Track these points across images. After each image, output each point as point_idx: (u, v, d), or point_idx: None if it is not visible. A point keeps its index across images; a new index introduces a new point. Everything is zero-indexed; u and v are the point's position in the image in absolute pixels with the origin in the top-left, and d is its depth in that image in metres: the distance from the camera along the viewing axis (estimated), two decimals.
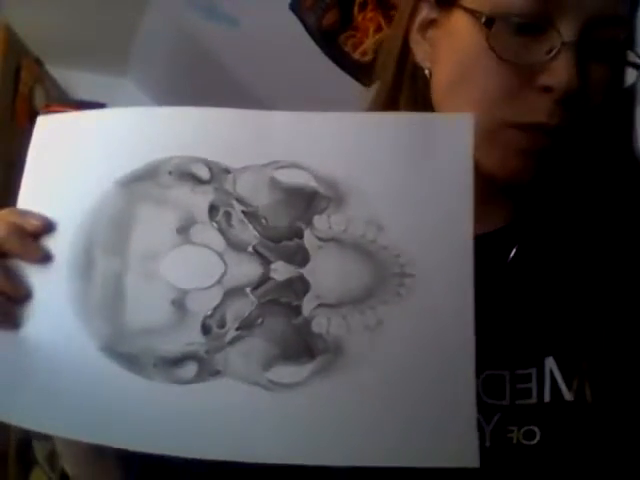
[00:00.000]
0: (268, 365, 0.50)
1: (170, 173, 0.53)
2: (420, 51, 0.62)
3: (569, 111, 0.54)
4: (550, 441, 0.55)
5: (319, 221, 0.51)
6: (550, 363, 0.57)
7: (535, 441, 0.55)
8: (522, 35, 0.54)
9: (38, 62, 2.45)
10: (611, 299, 0.57)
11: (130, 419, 0.51)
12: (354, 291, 0.50)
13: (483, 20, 0.54)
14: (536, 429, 0.55)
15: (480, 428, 0.54)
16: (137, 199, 0.53)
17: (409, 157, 0.51)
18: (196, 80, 2.87)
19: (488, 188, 0.57)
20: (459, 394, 0.48)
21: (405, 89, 0.63)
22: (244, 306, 0.51)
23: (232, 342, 0.50)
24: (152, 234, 0.53)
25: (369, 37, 2.10)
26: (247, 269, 0.51)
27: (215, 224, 0.52)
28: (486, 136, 0.55)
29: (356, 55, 2.19)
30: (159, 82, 3.22)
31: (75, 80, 2.96)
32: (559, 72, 0.53)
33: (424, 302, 0.49)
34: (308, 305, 0.50)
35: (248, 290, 0.51)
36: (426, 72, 0.61)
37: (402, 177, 0.51)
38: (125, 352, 0.51)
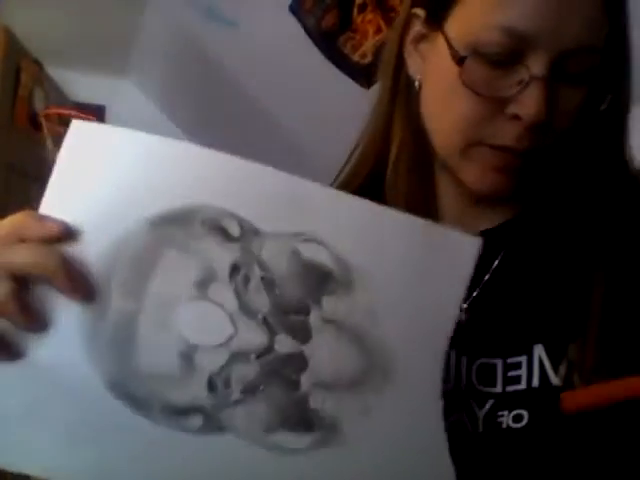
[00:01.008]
0: (270, 430, 0.52)
1: (203, 223, 0.52)
2: (412, 63, 0.65)
3: (537, 136, 0.58)
4: (537, 423, 0.58)
5: (327, 302, 0.53)
6: (539, 350, 0.60)
7: (523, 424, 0.58)
8: (494, 68, 0.57)
9: (38, 64, 2.45)
10: (596, 289, 0.60)
11: (132, 459, 0.51)
12: (347, 375, 0.53)
13: (456, 58, 0.58)
14: (524, 412, 0.58)
15: (473, 415, 0.59)
16: (164, 243, 0.52)
17: (415, 261, 0.54)
18: (196, 81, 2.87)
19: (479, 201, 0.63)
20: (435, 474, 0.54)
21: (400, 99, 0.66)
22: (248, 371, 0.52)
23: (236, 403, 0.52)
24: (171, 283, 0.52)
25: (368, 39, 2.10)
26: (254, 336, 0.52)
27: (233, 285, 0.52)
28: (463, 153, 0.60)
29: (355, 57, 2.19)
30: (159, 84, 3.22)
31: (75, 82, 2.96)
32: (528, 104, 0.56)
33: (403, 395, 0.53)
34: (306, 381, 0.52)
35: (252, 357, 0.52)
36: (416, 84, 0.64)
37: (404, 278, 0.54)
38: (132, 393, 0.51)
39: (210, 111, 2.98)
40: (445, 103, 0.61)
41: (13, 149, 2.27)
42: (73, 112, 2.75)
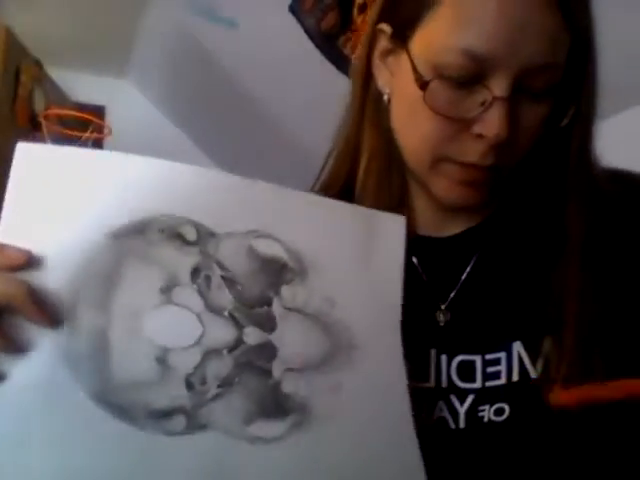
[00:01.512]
0: (249, 420, 0.55)
1: (161, 231, 0.55)
2: (380, 76, 0.67)
3: (501, 153, 0.60)
4: (518, 415, 0.60)
5: (286, 291, 0.57)
6: (517, 346, 0.62)
7: (504, 417, 0.60)
8: (457, 90, 0.59)
9: (38, 64, 2.46)
10: (570, 284, 0.62)
11: (123, 467, 0.53)
12: (315, 357, 0.56)
13: (420, 82, 0.60)
14: (505, 406, 0.61)
15: (454, 411, 0.62)
16: (126, 254, 0.54)
17: (357, 245, 0.59)
18: (196, 81, 2.87)
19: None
20: (400, 445, 0.57)
21: (369, 110, 0.68)
22: (222, 366, 0.55)
23: (214, 399, 0.54)
24: (137, 292, 0.54)
25: None
26: (223, 332, 0.55)
27: (196, 286, 0.55)
28: (431, 168, 0.63)
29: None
30: (159, 84, 3.22)
31: (75, 82, 2.96)
32: (490, 123, 0.58)
33: (368, 370, 0.57)
34: (277, 369, 0.56)
35: (225, 352, 0.55)
36: (385, 97, 0.66)
37: (352, 261, 0.59)
38: (116, 403, 0.53)
39: (210, 111, 2.98)
40: (411, 121, 0.63)
41: (13, 148, 2.27)
42: (73, 112, 2.75)
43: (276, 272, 0.57)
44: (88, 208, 0.55)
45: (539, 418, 0.60)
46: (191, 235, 0.55)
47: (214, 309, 0.55)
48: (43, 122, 2.56)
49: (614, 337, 0.60)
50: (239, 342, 0.55)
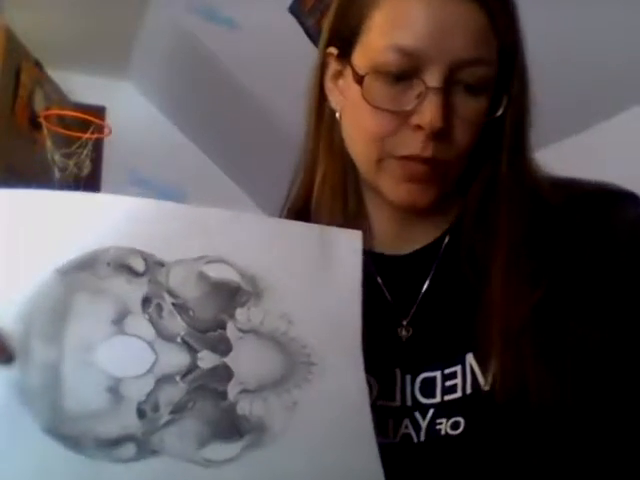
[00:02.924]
0: (202, 444, 0.55)
1: (108, 264, 0.56)
2: (333, 98, 0.71)
3: (440, 143, 0.63)
4: (472, 429, 0.62)
5: (240, 314, 0.57)
6: (470, 358, 0.64)
7: (460, 430, 0.62)
8: (394, 85, 0.63)
9: (38, 65, 2.46)
10: (501, 297, 0.64)
11: None
12: (271, 377, 0.57)
13: (356, 78, 0.65)
14: (461, 419, 0.62)
15: (418, 426, 0.64)
16: (75, 289, 0.55)
17: (313, 262, 0.60)
18: (196, 82, 2.87)
19: (404, 211, 0.68)
20: (363, 462, 0.57)
21: (324, 131, 0.72)
22: (175, 392, 0.55)
23: (166, 425, 0.55)
24: (88, 325, 0.55)
25: None
26: (176, 358, 0.56)
27: (147, 315, 0.56)
28: (375, 167, 0.65)
29: None
30: (159, 84, 3.22)
31: (75, 83, 2.97)
32: (426, 114, 0.62)
33: (326, 386, 0.58)
34: (233, 390, 0.56)
35: (178, 378, 0.56)
36: (337, 115, 0.70)
37: (307, 279, 0.59)
38: (68, 433, 0.54)
39: (210, 112, 2.98)
40: (355, 124, 0.67)
41: (13, 149, 2.28)
42: (73, 113, 2.76)
43: (229, 295, 0.57)
44: (36, 245, 0.56)
45: (492, 431, 0.61)
46: (139, 266, 0.56)
47: (166, 336, 0.56)
48: (43, 122, 2.56)
49: (547, 337, 0.61)
50: (193, 367, 0.56)
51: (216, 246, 0.58)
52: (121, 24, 2.76)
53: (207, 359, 0.56)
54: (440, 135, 0.62)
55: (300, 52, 2.29)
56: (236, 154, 3.10)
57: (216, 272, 0.57)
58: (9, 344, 0.54)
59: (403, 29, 0.62)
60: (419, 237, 0.70)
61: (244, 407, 0.56)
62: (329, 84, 0.71)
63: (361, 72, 0.64)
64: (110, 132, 2.87)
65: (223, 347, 0.56)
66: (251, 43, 2.37)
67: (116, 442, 0.54)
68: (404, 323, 0.67)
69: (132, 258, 0.56)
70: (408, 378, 0.65)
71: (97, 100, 3.10)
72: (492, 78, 0.63)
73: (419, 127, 0.62)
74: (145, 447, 0.54)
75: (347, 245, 0.61)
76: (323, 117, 0.72)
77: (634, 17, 1.76)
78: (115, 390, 0.54)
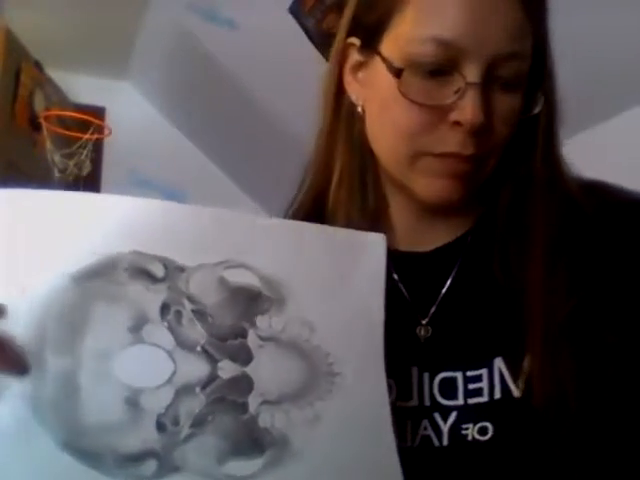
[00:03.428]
0: (222, 460, 0.53)
1: (126, 270, 0.54)
2: (353, 91, 0.68)
3: (479, 141, 0.61)
4: (502, 435, 0.60)
5: (261, 321, 0.55)
6: (499, 363, 0.62)
7: (488, 436, 0.60)
8: (431, 79, 0.61)
9: (38, 65, 2.46)
10: (542, 301, 0.62)
11: None
12: (292, 388, 0.55)
13: (394, 71, 0.61)
14: (489, 425, 0.60)
15: (438, 429, 0.61)
16: (91, 296, 0.53)
17: (335, 267, 0.57)
18: (196, 83, 2.87)
19: (429, 208, 0.66)
20: (384, 474, 0.55)
21: (342, 127, 0.69)
22: (194, 404, 0.53)
23: (187, 439, 0.52)
24: (104, 333, 0.53)
25: None
26: (195, 368, 0.53)
27: (166, 323, 0.54)
28: (408, 163, 0.63)
29: None
30: (159, 85, 3.22)
31: (75, 83, 2.97)
32: (466, 110, 0.59)
33: (348, 398, 0.55)
34: (253, 402, 0.54)
35: (198, 389, 0.53)
36: (359, 109, 0.67)
37: (330, 284, 0.57)
38: (85, 448, 0.51)
39: (210, 112, 2.98)
40: (388, 118, 0.64)
41: (13, 150, 2.28)
42: (73, 113, 2.76)
43: (250, 302, 0.55)
44: (51, 251, 0.54)
45: (523, 438, 0.59)
46: (159, 271, 0.54)
47: (186, 345, 0.53)
48: (43, 123, 2.56)
49: (583, 344, 0.60)
50: (213, 377, 0.53)
51: (237, 250, 0.55)
52: (121, 25, 2.76)
53: (227, 369, 0.54)
54: (479, 132, 0.60)
55: (300, 53, 2.30)
56: (236, 155, 3.10)
57: (237, 277, 0.55)
58: (23, 356, 0.52)
59: (441, 20, 0.60)
60: (440, 235, 0.68)
61: (265, 420, 0.53)
62: (348, 77, 0.68)
63: (396, 64, 0.61)
64: (110, 133, 2.87)
65: (243, 356, 0.54)
66: (251, 43, 2.37)
67: (137, 458, 0.51)
68: (423, 322, 0.65)
69: (151, 263, 0.54)
70: (426, 376, 0.63)
71: (97, 101, 3.10)
72: (526, 73, 0.62)
73: (458, 124, 0.60)
74: (167, 463, 0.52)
75: (371, 249, 0.58)
76: (340, 112, 0.69)
77: (634, 17, 1.76)
78: (133, 401, 0.52)
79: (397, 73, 0.61)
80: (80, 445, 0.51)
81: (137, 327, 0.53)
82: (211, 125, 3.10)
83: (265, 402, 0.54)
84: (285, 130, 2.55)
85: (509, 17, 0.60)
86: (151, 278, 0.54)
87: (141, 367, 0.53)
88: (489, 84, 0.60)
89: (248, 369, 0.54)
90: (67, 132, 2.63)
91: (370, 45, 0.65)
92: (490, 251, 0.65)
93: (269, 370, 0.54)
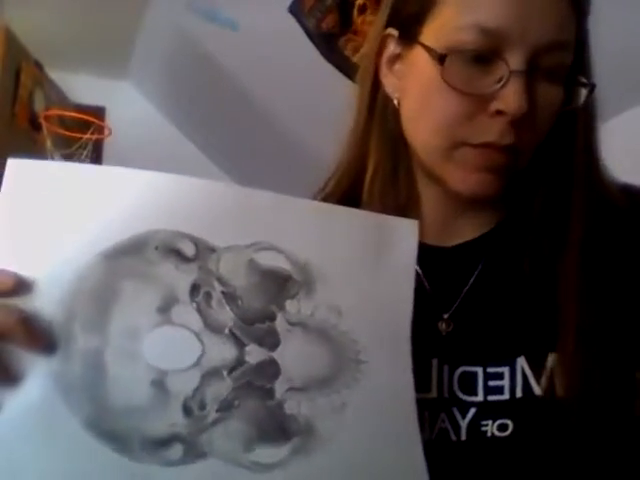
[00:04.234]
0: (249, 446, 0.52)
1: (156, 248, 0.53)
2: (389, 83, 0.67)
3: (520, 131, 0.60)
4: (522, 432, 0.60)
5: (290, 305, 0.54)
6: (521, 361, 0.61)
7: (508, 433, 0.60)
8: (474, 67, 0.60)
9: (38, 65, 2.46)
10: (577, 299, 0.62)
11: None
12: (319, 375, 0.54)
13: (437, 57, 0.60)
14: (509, 422, 0.60)
15: (456, 423, 0.61)
16: (121, 274, 0.52)
17: (366, 252, 0.56)
18: (196, 83, 2.87)
19: (461, 201, 0.65)
20: (409, 466, 0.54)
21: (377, 119, 0.68)
22: (222, 388, 0.52)
23: (213, 424, 0.52)
24: (134, 312, 0.52)
25: None
26: (223, 351, 0.52)
27: (195, 304, 0.53)
28: (445, 155, 0.62)
29: (355, 58, 2.19)
30: (159, 85, 3.22)
31: (75, 83, 2.96)
32: (509, 98, 0.58)
33: (375, 387, 0.54)
34: (280, 388, 0.53)
35: (225, 373, 0.52)
36: (395, 102, 0.66)
37: (360, 269, 0.56)
38: (110, 430, 0.50)
39: (210, 112, 2.98)
40: (426, 110, 0.63)
41: (13, 149, 2.27)
42: (73, 113, 2.75)
43: (279, 285, 0.54)
44: (80, 227, 0.52)
45: (543, 435, 0.59)
46: (189, 251, 0.53)
47: (214, 327, 0.52)
48: (43, 123, 2.56)
49: (615, 346, 0.60)
50: (240, 361, 0.52)
51: (269, 232, 0.54)
52: (121, 24, 2.76)
53: (254, 353, 0.53)
54: (521, 122, 0.59)
55: (300, 53, 2.30)
56: (236, 155, 3.10)
57: (267, 260, 0.54)
58: (50, 333, 0.51)
59: (485, 7, 0.59)
60: (467, 230, 0.67)
61: (292, 407, 0.53)
62: (384, 69, 0.67)
63: (439, 51, 0.60)
64: (110, 133, 2.87)
65: (271, 341, 0.53)
66: (251, 44, 2.37)
67: (163, 442, 0.50)
68: (445, 317, 0.65)
69: (182, 242, 0.53)
70: (446, 369, 0.63)
71: (97, 101, 3.09)
72: (569, 65, 0.61)
73: (500, 113, 0.59)
74: (193, 448, 0.51)
75: (403, 235, 0.57)
76: (376, 105, 0.68)
77: (634, 17, 1.76)
78: (160, 384, 0.51)
79: (441, 59, 0.59)
80: (105, 427, 0.50)
81: (166, 307, 0.52)
82: (211, 125, 3.10)
83: (291, 389, 0.53)
84: (285, 130, 2.55)
85: (554, 6, 0.59)
86: (181, 257, 0.53)
87: (169, 349, 0.52)
88: (532, 73, 0.59)
89: (275, 354, 0.53)
90: (67, 132, 2.63)
91: (409, 35, 0.64)
92: (518, 248, 0.65)
93: (296, 356, 0.53)
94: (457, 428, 0.61)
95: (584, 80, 0.62)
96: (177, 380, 0.51)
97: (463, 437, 0.61)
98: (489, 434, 0.60)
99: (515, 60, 0.58)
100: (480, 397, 0.61)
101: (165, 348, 0.52)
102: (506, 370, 0.61)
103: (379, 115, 0.68)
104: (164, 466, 0.50)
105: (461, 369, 0.62)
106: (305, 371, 0.53)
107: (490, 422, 0.60)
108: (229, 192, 0.55)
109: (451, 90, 0.60)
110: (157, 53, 2.93)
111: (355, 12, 2.16)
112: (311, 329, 0.54)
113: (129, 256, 0.52)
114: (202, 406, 0.51)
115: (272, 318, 0.53)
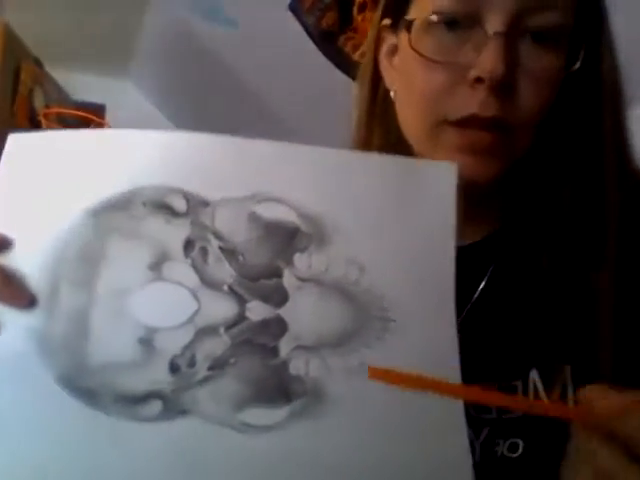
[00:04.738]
0: (240, 406, 0.48)
1: (144, 204, 0.51)
2: (388, 76, 0.64)
3: (505, 101, 0.54)
4: (532, 453, 0.56)
5: (300, 260, 0.50)
6: (534, 375, 0.57)
7: (518, 453, 0.56)
8: (452, 35, 0.55)
9: (38, 63, 2.46)
10: (591, 308, 0.56)
11: (86, 454, 0.48)
12: (334, 333, 0.49)
13: (405, 26, 0.57)
14: (520, 441, 0.56)
15: (471, 444, 0.54)
16: (108, 231, 0.51)
17: (394, 199, 0.51)
18: (197, 81, 2.87)
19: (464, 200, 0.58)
20: (451, 443, 0.47)
21: (379, 114, 0.65)
22: (217, 346, 0.49)
23: (202, 382, 0.48)
24: (123, 269, 0.50)
25: None
26: (221, 308, 0.49)
27: (190, 260, 0.50)
28: (430, 138, 0.58)
29: (356, 56, 2.19)
30: (159, 83, 3.22)
31: (75, 81, 2.96)
32: (485, 62, 0.53)
33: (407, 347, 0.49)
34: (286, 346, 0.49)
35: (222, 330, 0.49)
36: (392, 94, 0.63)
37: (386, 218, 0.51)
38: (84, 386, 0.49)
39: (210, 111, 2.98)
40: (409, 88, 0.59)
41: None
42: (73, 111, 2.75)
43: (286, 239, 0.50)
44: (64, 185, 0.51)
45: (554, 456, 0.53)
46: (180, 205, 0.50)
47: (211, 284, 0.49)
48: (43, 121, 2.56)
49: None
50: (240, 318, 0.49)
51: (270, 182, 0.50)
52: (122, 23, 2.75)
53: (257, 310, 0.49)
54: (503, 90, 0.53)
55: (301, 51, 2.29)
56: None
57: (270, 212, 0.50)
58: (31, 289, 0.49)
59: None
60: (468, 232, 0.61)
61: (298, 366, 0.48)
62: (384, 62, 0.64)
63: (408, 18, 0.56)
64: None
65: (277, 297, 0.49)
66: (251, 42, 2.37)
67: (140, 399, 0.48)
68: None
69: (171, 197, 0.50)
70: None
71: (97, 99, 3.09)
72: (566, 27, 0.55)
73: (478, 80, 0.54)
74: (173, 406, 0.48)
75: (438, 180, 0.51)
76: (377, 96, 0.65)
77: (634, 17, 1.76)
78: (148, 341, 0.49)
79: (408, 26, 0.56)
80: (79, 383, 0.48)
81: (157, 264, 0.50)
82: (211, 123, 3.10)
83: (300, 347, 0.49)
84: (288, 129, 2.55)
85: None
86: (172, 213, 0.50)
87: (160, 306, 0.49)
88: (515, 36, 0.54)
89: (282, 311, 0.49)
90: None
91: (399, 20, 0.61)
92: (532, 251, 0.59)
93: (307, 313, 0.49)
94: (472, 449, 0.55)
95: (589, 44, 0.55)
96: (167, 337, 0.49)
97: (477, 458, 0.56)
98: (499, 454, 0.56)
99: (493, 23, 0.54)
100: (494, 414, 0.57)
101: (156, 305, 0.49)
102: (519, 384, 0.57)
103: (380, 110, 0.65)
104: (138, 421, 0.48)
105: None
106: (317, 329, 0.49)
107: (501, 441, 0.56)
108: (222, 143, 0.52)
109: (429, 63, 0.56)
110: (158, 51, 2.93)
111: (355, 10, 2.16)
112: (326, 285, 0.49)
113: (117, 213, 0.51)
114: (191, 363, 0.49)
115: (279, 274, 0.50)
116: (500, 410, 0.57)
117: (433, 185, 0.51)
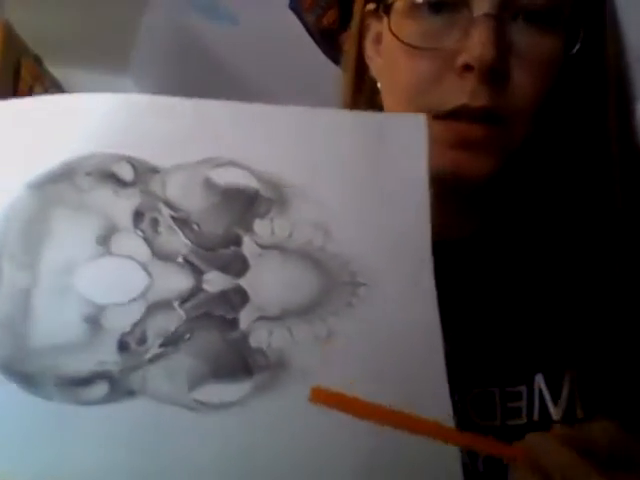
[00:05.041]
0: (195, 384, 0.45)
1: (89, 174, 0.47)
2: (374, 66, 0.60)
3: (496, 89, 0.50)
4: None
5: (260, 226, 0.47)
6: (539, 380, 0.54)
7: None
8: (437, 19, 0.51)
9: (37, 60, 2.45)
10: (595, 309, 0.53)
11: (27, 442, 0.45)
12: (300, 301, 0.46)
13: (384, 10, 0.52)
14: None
15: (474, 454, 0.52)
16: (51, 204, 0.47)
17: (360, 156, 0.48)
18: (196, 79, 2.87)
19: (454, 195, 0.54)
20: (432, 408, 0.43)
21: (363, 103, 0.60)
22: (170, 321, 0.46)
23: (153, 360, 0.45)
24: (68, 245, 0.47)
25: None
26: (175, 281, 0.46)
27: (140, 232, 0.47)
28: None
29: None
30: (159, 81, 3.22)
31: (75, 79, 2.95)
32: (474, 47, 0.49)
33: (379, 312, 0.45)
34: (246, 318, 0.46)
35: (176, 304, 0.46)
36: (378, 85, 0.59)
37: (352, 177, 0.47)
38: (23, 371, 0.45)
39: None
40: (393, 77, 0.54)
41: None
42: None
43: (245, 205, 0.47)
44: (4, 159, 0.48)
45: None
46: (127, 174, 0.47)
47: (164, 256, 0.46)
48: None
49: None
50: (196, 291, 0.46)
51: (225, 146, 0.47)
52: (121, 20, 2.76)
53: (215, 281, 0.46)
54: (495, 77, 0.49)
55: (301, 49, 2.29)
56: None
57: (227, 177, 0.47)
58: None
59: None
60: (457, 230, 0.57)
61: (260, 338, 0.45)
62: (369, 51, 0.59)
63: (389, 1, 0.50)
64: None
65: (237, 267, 0.46)
66: (251, 39, 2.37)
67: (84, 381, 0.45)
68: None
69: (117, 165, 0.47)
70: (455, 396, 0.51)
71: None
72: (562, 6, 0.50)
73: (467, 68, 0.49)
74: (120, 387, 0.44)
75: (408, 132, 0.47)
76: (363, 86, 0.60)
77: (634, 17, 1.76)
78: (94, 320, 0.45)
79: (386, 10, 0.51)
80: (18, 367, 0.45)
81: (105, 238, 0.46)
82: None
83: (262, 318, 0.45)
84: None
85: None
86: (119, 182, 0.47)
87: (109, 281, 0.46)
88: (506, 17, 0.49)
89: (242, 281, 0.46)
90: None
91: (382, 4, 0.55)
92: (532, 248, 0.55)
93: (270, 282, 0.46)
94: (474, 458, 0.53)
95: (591, 27, 0.51)
96: (115, 314, 0.45)
97: (481, 468, 0.53)
98: (505, 462, 0.53)
99: (481, 3, 0.49)
100: (498, 421, 0.54)
101: (104, 281, 0.46)
102: (524, 390, 0.54)
103: (365, 100, 0.60)
104: (82, 405, 0.44)
105: (475, 391, 0.54)
106: (281, 298, 0.46)
107: None
108: (171, 106, 0.49)
109: (413, 50, 0.51)
110: (157, 48, 2.93)
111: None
112: (290, 252, 0.46)
113: (59, 184, 0.47)
114: (142, 341, 0.45)
115: (238, 242, 0.46)
116: (504, 416, 0.54)
117: (402, 139, 0.48)
